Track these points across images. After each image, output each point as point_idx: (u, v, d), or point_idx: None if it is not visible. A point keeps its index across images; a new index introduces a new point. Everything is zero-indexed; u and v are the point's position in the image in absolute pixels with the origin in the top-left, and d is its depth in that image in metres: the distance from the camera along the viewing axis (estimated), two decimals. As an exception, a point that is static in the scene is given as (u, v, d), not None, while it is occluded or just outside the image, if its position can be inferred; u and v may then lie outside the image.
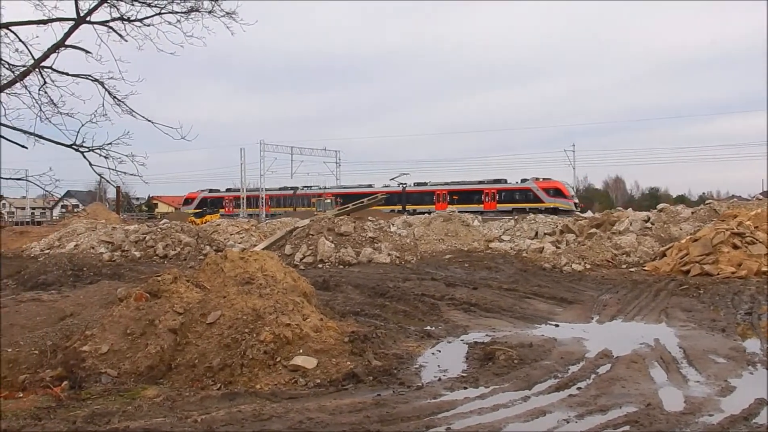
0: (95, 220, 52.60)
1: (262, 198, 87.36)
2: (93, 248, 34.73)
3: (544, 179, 77.20)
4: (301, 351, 9.50)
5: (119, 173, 11.37)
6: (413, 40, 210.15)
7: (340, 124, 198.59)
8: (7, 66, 11.36)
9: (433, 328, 13.24)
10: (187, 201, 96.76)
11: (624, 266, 24.87)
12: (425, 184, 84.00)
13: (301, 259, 28.11)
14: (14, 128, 10.87)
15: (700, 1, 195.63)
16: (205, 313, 10.46)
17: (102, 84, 11.54)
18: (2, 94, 10.94)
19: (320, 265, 27.31)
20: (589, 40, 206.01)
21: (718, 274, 20.74)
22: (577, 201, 75.83)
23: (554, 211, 65.72)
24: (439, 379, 9.12)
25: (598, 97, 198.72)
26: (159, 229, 34.20)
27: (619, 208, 37.24)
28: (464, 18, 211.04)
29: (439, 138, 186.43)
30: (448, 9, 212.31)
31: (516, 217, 43.68)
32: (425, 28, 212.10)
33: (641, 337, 12.00)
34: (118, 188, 52.49)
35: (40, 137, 11.06)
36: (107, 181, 12.13)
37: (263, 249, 25.43)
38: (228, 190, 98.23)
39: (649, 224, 30.42)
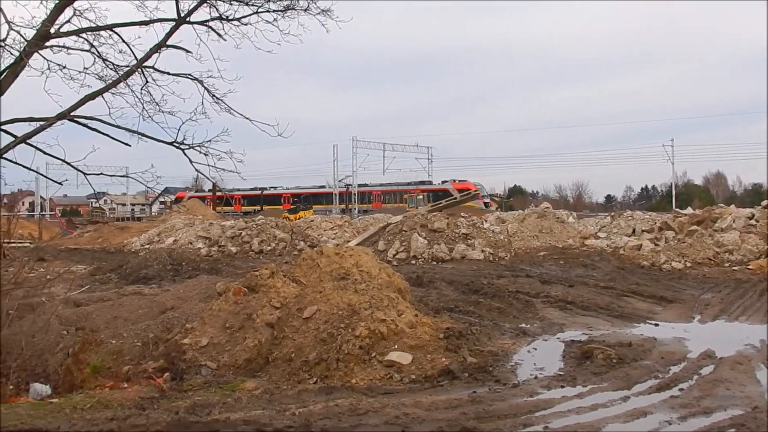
0: (193, 216, 53.96)
1: (356, 195, 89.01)
2: (191, 243, 35.89)
3: (460, 181, 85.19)
4: (396, 347, 9.49)
5: (218, 170, 11.60)
6: (503, 34, 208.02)
7: (431, 119, 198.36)
8: (111, 66, 11.65)
9: (529, 326, 13.08)
10: (177, 201, 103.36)
11: (727, 264, 24.01)
12: (366, 185, 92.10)
13: (394, 255, 28.21)
14: (119, 127, 11.18)
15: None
16: (302, 307, 10.55)
17: (201, 83, 11.79)
18: (107, 93, 11.25)
19: (413, 262, 27.34)
20: (680, 31, 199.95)
21: (829, 273, 19.85)
22: (487, 202, 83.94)
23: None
24: (536, 377, 9.01)
25: (696, 89, 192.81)
26: (255, 225, 34.90)
27: (721, 204, 35.95)
28: (554, 11, 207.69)
29: (531, 133, 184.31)
30: (537, 4, 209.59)
31: (612, 213, 42.81)
32: (515, 22, 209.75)
33: (746, 338, 11.50)
34: (214, 185, 53.47)
35: (143, 135, 11.35)
36: (206, 177, 12.43)
37: (357, 245, 25.60)
38: (210, 190, 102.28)
39: (753, 221, 29.34)
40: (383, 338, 9.60)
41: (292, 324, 10.31)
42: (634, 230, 34.27)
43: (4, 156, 10.47)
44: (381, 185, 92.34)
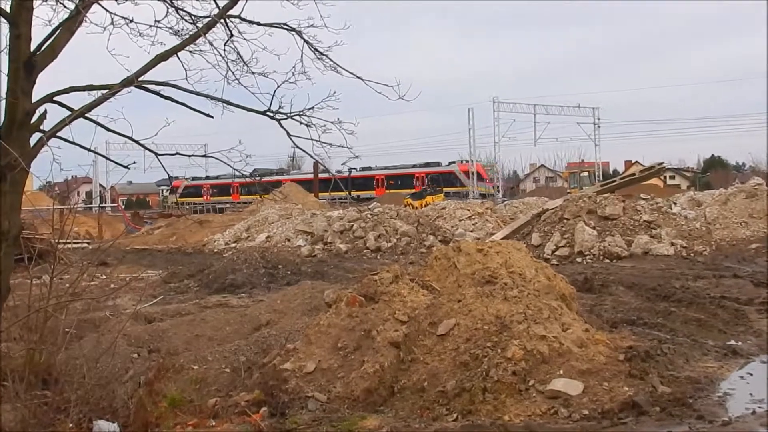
0: (291, 204, 54.62)
1: (500, 183, 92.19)
2: (289, 240, 36.69)
3: (466, 161, 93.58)
4: (561, 372, 9.32)
5: (323, 144, 11.63)
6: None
7: (592, 74, 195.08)
8: (188, 18, 11.69)
9: (740, 343, 12.65)
10: (173, 190, 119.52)
11: None
12: (370, 168, 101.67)
13: (553, 252, 27.92)
14: (199, 93, 11.25)
15: None
16: (435, 321, 10.51)
17: (300, 34, 11.74)
18: (183, 52, 11.37)
19: (579, 259, 27.00)
20: None
21: None
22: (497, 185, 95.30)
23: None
24: (753, 413, 8.69)
25: None
26: (370, 215, 35.21)
27: None
28: None
29: (732, 87, 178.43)
30: None
31: None
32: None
33: None
34: (315, 163, 53.90)
35: (229, 103, 11.42)
36: (309, 154, 12.50)
37: (503, 238, 25.41)
38: (207, 177, 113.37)
39: None
40: (544, 361, 9.45)
41: (424, 343, 10.27)
42: None
43: (57, 134, 10.72)
44: (385, 168, 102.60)
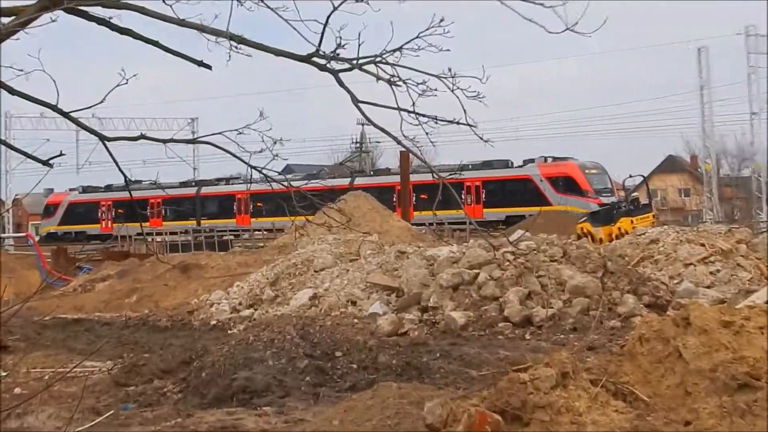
0: (359, 233, 37.39)
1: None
2: (354, 303, 27.25)
3: (554, 159, 69.52)
4: None
5: (421, 119, 8.51)
6: None
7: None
8: None
9: None
10: (48, 210, 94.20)
11: None
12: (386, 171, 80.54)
13: None
14: (184, 23, 8.74)
15: None
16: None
17: None
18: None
19: None
20: None
21: None
22: (614, 199, 62.91)
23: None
24: None
25: None
26: (511, 257, 28.57)
27: None
28: None
29: None
30: None
31: None
32: None
33: None
34: (404, 154, 45.78)
35: (243, 41, 8.90)
36: (394, 138, 9.30)
37: None
38: (108, 187, 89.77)
39: None
40: None
41: None
42: None
43: None
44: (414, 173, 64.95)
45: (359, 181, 73.84)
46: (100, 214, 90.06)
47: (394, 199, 63.49)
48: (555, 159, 69.96)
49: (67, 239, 79.59)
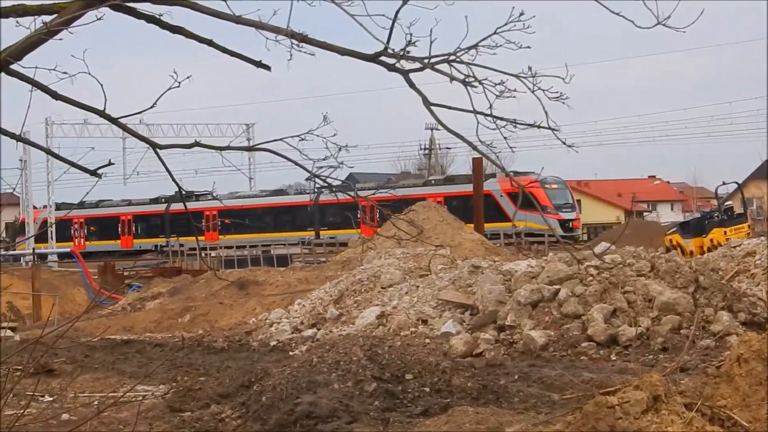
0: (430, 246, 36.82)
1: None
2: (424, 322, 26.16)
3: (517, 175, 65.81)
4: None
5: (499, 122, 8.57)
6: None
7: None
8: None
9: None
10: (8, 229, 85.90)
11: None
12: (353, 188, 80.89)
13: None
14: (240, 20, 8.80)
15: None
16: None
17: None
18: None
19: None
20: None
21: None
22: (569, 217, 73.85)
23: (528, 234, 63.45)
24: None
25: None
26: (594, 271, 27.90)
27: None
28: None
29: None
30: None
31: None
32: None
33: None
34: (477, 161, 44.57)
35: (304, 39, 8.87)
36: (468, 143, 9.18)
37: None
38: (81, 204, 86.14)
39: None
40: None
41: None
42: None
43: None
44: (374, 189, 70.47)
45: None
46: (72, 232, 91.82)
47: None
48: (516, 173, 68.33)
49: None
